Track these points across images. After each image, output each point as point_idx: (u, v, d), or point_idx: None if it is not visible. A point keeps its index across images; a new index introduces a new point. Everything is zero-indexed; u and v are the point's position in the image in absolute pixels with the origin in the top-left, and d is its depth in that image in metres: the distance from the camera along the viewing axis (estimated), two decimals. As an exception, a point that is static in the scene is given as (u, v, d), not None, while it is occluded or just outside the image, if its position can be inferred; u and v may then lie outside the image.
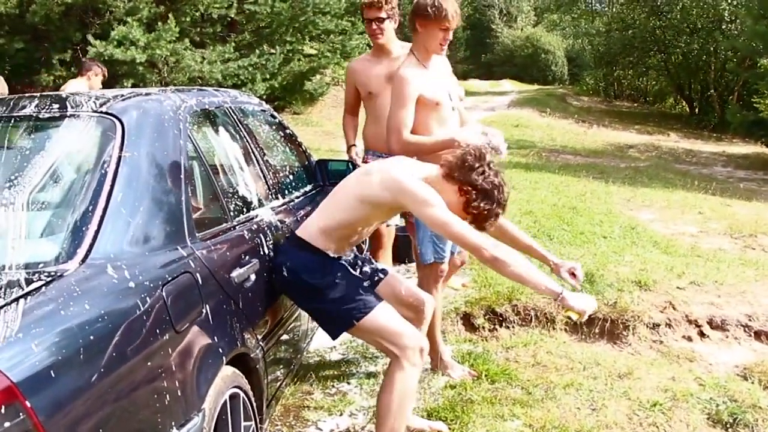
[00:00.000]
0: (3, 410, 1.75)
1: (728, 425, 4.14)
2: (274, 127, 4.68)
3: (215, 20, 17.65)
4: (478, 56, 56.66)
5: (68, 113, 2.84)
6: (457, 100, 4.55)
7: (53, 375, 1.87)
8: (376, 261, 4.54)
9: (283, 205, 3.99)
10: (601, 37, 38.81)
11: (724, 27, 31.64)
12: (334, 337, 3.62)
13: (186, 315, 2.55)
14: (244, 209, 3.47)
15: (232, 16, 17.61)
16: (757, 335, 5.45)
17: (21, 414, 1.78)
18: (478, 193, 3.39)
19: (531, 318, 5.48)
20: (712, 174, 16.06)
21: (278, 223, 3.70)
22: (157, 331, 2.33)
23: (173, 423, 2.33)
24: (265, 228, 3.52)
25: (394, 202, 3.45)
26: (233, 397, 2.80)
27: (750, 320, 5.53)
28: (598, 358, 4.87)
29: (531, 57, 54.15)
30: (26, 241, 2.38)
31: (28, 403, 1.79)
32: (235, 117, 3.89)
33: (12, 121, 2.87)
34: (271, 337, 3.42)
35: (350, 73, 5.39)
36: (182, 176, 2.87)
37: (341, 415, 4.19)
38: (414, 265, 5.28)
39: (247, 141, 3.90)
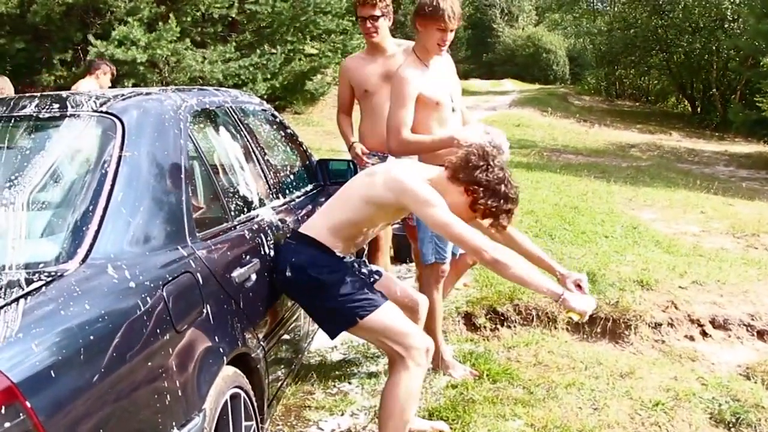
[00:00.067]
0: (3, 410, 1.75)
1: (731, 425, 4.14)
2: (274, 127, 4.67)
3: (216, 20, 17.63)
4: (480, 56, 56.63)
5: (68, 113, 2.84)
6: (459, 101, 4.54)
7: (53, 375, 1.87)
8: (374, 262, 4.56)
9: (283, 204, 3.98)
10: (602, 36, 38.76)
11: (726, 26, 31.54)
12: (333, 336, 3.61)
13: (186, 315, 2.54)
14: (245, 209, 3.46)
15: (233, 15, 17.59)
16: (760, 334, 5.45)
17: (21, 414, 1.77)
18: (484, 192, 3.39)
19: (532, 317, 5.47)
20: (714, 173, 16.04)
21: (279, 223, 3.70)
22: (158, 331, 2.32)
23: (174, 423, 2.33)
24: (266, 228, 3.51)
25: (397, 202, 3.44)
26: (234, 397, 2.79)
27: (752, 319, 5.53)
28: (600, 358, 4.86)
29: (532, 56, 54.09)
30: (26, 241, 2.38)
31: (28, 404, 1.78)
32: (235, 117, 3.89)
33: (12, 121, 2.87)
34: (272, 336, 3.41)
35: (345, 72, 5.33)
36: (183, 176, 2.86)
37: (342, 414, 4.19)
38: (414, 265, 5.28)
39: (248, 141, 3.89)
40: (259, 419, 3.06)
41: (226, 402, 2.69)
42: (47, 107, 2.89)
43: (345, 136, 5.34)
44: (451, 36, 4.25)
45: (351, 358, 4.96)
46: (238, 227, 3.27)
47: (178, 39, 15.62)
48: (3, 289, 2.05)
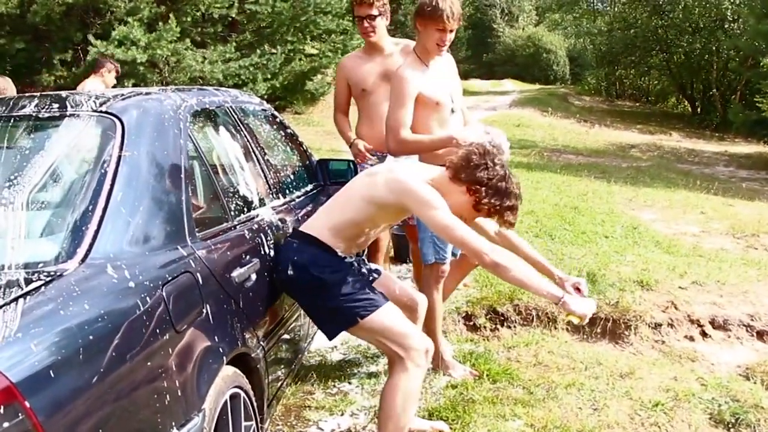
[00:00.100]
0: (2, 410, 1.74)
1: (730, 425, 4.14)
2: (274, 127, 4.67)
3: (216, 20, 17.64)
4: (480, 56, 56.63)
5: (68, 113, 2.84)
6: (459, 102, 4.54)
7: (53, 375, 1.86)
8: (374, 262, 4.55)
9: (283, 204, 3.98)
10: (602, 36, 38.78)
11: (726, 26, 31.55)
12: (331, 337, 3.61)
13: (186, 315, 2.54)
14: (245, 209, 3.46)
15: (233, 15, 17.59)
16: (760, 335, 5.46)
17: (20, 414, 1.77)
18: (486, 191, 3.40)
19: (532, 318, 5.48)
20: (714, 174, 16.05)
21: (279, 223, 3.70)
22: (157, 331, 2.32)
23: (173, 423, 2.33)
24: (266, 227, 3.51)
25: (399, 203, 3.44)
26: (234, 397, 2.79)
27: (752, 320, 5.53)
28: (600, 358, 4.86)
29: (533, 56, 54.11)
30: (26, 241, 2.38)
31: (27, 404, 1.78)
32: (235, 116, 3.89)
33: (12, 121, 2.87)
34: (272, 336, 3.41)
35: (342, 71, 5.30)
36: (182, 176, 2.86)
37: (342, 414, 4.18)
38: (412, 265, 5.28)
39: (248, 140, 3.89)
40: (258, 419, 3.05)
41: (225, 402, 2.69)
42: (47, 107, 2.89)
43: (344, 135, 5.32)
44: (451, 36, 4.24)
45: (351, 358, 4.96)
46: (238, 227, 3.27)
47: (178, 39, 15.63)
48: (2, 289, 2.04)
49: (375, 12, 4.94)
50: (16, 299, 1.98)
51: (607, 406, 4.19)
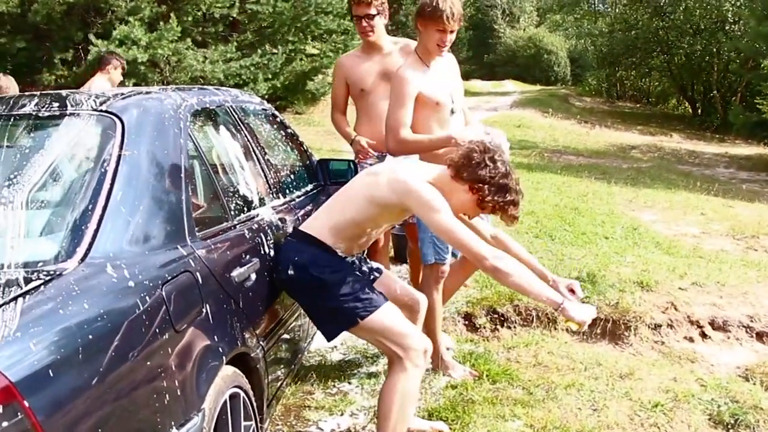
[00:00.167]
0: (1, 410, 1.74)
1: (729, 426, 4.14)
2: (275, 127, 4.67)
3: (217, 20, 17.64)
4: (481, 56, 56.62)
5: (68, 112, 2.84)
6: (460, 103, 4.53)
7: (52, 374, 1.86)
8: (374, 261, 4.54)
9: (284, 204, 3.98)
10: (603, 37, 38.78)
11: (727, 28, 31.59)
12: (330, 337, 3.62)
13: (186, 314, 2.54)
14: (245, 208, 3.46)
15: (234, 15, 17.60)
16: (759, 336, 5.46)
17: (19, 414, 1.77)
18: (489, 188, 3.40)
19: (532, 318, 5.47)
20: (714, 175, 16.05)
21: (279, 223, 3.70)
22: (157, 330, 2.31)
23: (173, 423, 2.32)
24: (266, 227, 3.51)
25: (401, 204, 3.44)
26: (233, 397, 2.78)
27: (752, 321, 5.53)
28: (600, 359, 4.86)
29: (533, 57, 54.10)
30: (25, 240, 2.37)
31: (26, 403, 1.77)
32: (236, 116, 3.88)
33: (12, 120, 2.87)
34: (272, 336, 3.41)
35: (341, 70, 5.24)
36: (182, 175, 2.86)
37: (342, 415, 4.18)
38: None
39: (248, 140, 3.89)
40: (258, 419, 3.05)
41: (225, 402, 2.69)
42: (47, 106, 2.89)
43: (344, 133, 5.25)
44: (452, 37, 4.24)
45: (351, 358, 4.96)
46: (237, 227, 3.26)
47: (179, 39, 15.63)
48: (2, 288, 2.04)
49: (373, 11, 4.91)
50: (15, 298, 1.98)
51: (606, 406, 4.19)
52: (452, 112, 4.42)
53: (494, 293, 5.71)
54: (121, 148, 2.66)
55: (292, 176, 4.48)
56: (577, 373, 4.62)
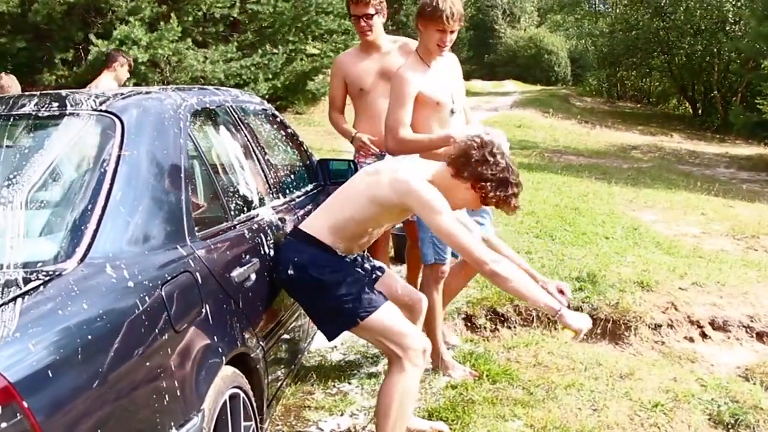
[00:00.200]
0: (0, 411, 1.74)
1: (729, 426, 4.14)
2: (275, 126, 4.66)
3: (218, 20, 17.64)
4: (481, 56, 56.58)
5: (68, 112, 2.83)
6: (461, 103, 4.53)
7: (51, 375, 1.86)
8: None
9: (284, 204, 3.98)
10: (604, 37, 38.74)
11: (727, 28, 31.57)
12: (331, 337, 3.62)
13: (185, 315, 2.53)
14: (245, 208, 3.45)
15: (235, 15, 17.59)
16: (759, 336, 5.46)
17: (18, 414, 1.76)
18: (491, 185, 3.40)
19: (532, 318, 5.47)
20: (714, 175, 16.05)
21: (279, 223, 3.69)
22: (156, 330, 2.31)
23: (172, 423, 2.32)
24: (266, 227, 3.51)
25: (401, 203, 3.43)
26: (233, 397, 2.78)
27: (752, 321, 5.53)
28: (600, 359, 4.85)
29: (534, 57, 54.06)
30: (24, 240, 2.37)
31: (25, 404, 1.77)
32: (236, 116, 3.88)
33: (11, 120, 2.87)
34: (272, 336, 3.40)
35: (339, 68, 5.21)
36: (182, 175, 2.85)
37: (342, 415, 4.18)
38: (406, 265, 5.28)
39: (248, 140, 3.88)
40: (258, 419, 3.05)
41: (225, 402, 2.69)
42: (46, 106, 2.88)
43: (344, 131, 5.21)
44: (452, 37, 4.24)
45: (351, 358, 4.96)
46: (237, 227, 3.26)
47: (180, 39, 15.62)
48: (1, 288, 2.04)
49: (372, 11, 4.90)
50: (14, 299, 1.98)
51: (606, 406, 4.19)
52: (452, 112, 4.42)
53: (494, 293, 5.70)
54: (120, 148, 2.66)
55: (292, 176, 4.48)
56: (577, 373, 4.62)
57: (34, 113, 2.87)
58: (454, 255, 4.57)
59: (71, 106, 2.86)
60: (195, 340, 2.55)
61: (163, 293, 2.40)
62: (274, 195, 3.93)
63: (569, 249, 6.89)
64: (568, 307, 3.51)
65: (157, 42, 15.03)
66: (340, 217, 3.50)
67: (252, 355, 3.04)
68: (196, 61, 16.04)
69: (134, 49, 14.65)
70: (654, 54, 35.51)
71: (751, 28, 24.35)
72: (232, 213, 3.29)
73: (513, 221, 7.88)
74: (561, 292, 3.63)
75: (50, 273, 2.17)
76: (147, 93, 3.20)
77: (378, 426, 3.49)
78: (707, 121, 30.06)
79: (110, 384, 2.05)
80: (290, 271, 3.42)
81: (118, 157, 2.62)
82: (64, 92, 3.07)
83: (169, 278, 2.49)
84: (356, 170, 4.73)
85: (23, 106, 2.90)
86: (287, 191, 4.18)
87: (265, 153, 4.06)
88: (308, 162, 4.90)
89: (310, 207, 4.24)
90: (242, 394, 2.88)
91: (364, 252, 3.80)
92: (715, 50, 31.49)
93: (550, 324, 5.40)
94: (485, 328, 5.43)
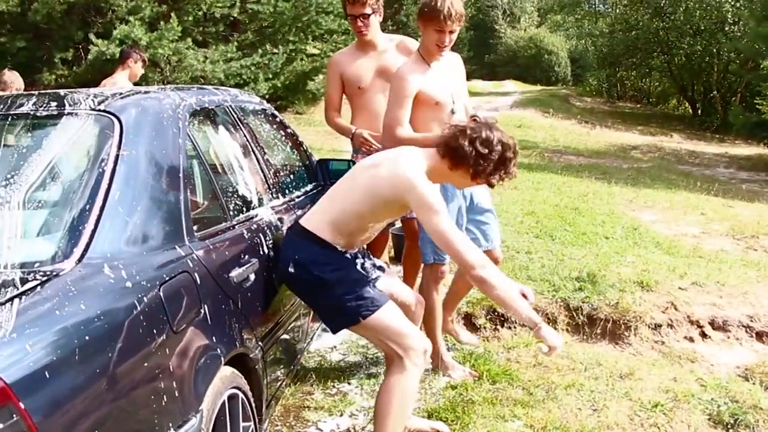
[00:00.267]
0: (-3, 411, 1.74)
1: (729, 426, 4.13)
2: (274, 126, 4.66)
3: (218, 19, 17.64)
4: (482, 56, 56.61)
5: (66, 111, 2.83)
6: (462, 103, 4.52)
7: (48, 376, 1.85)
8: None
9: (283, 204, 3.97)
10: (604, 38, 38.78)
11: (727, 29, 31.59)
12: (335, 331, 3.63)
13: (184, 315, 2.53)
14: (244, 208, 3.45)
15: (235, 15, 17.60)
16: (759, 336, 5.45)
17: (15, 416, 1.76)
18: (490, 170, 3.43)
19: (532, 318, 5.45)
20: (714, 175, 16.05)
21: (278, 223, 3.69)
22: (155, 331, 2.30)
23: (171, 424, 2.31)
24: (265, 227, 3.50)
25: (401, 199, 3.41)
26: (232, 398, 2.78)
27: (751, 321, 5.52)
28: (600, 359, 4.85)
29: (534, 58, 54.13)
30: (22, 240, 2.37)
31: (21, 405, 1.76)
32: (235, 116, 3.87)
33: (9, 119, 2.86)
34: (271, 337, 3.40)
35: (337, 67, 5.16)
36: (181, 175, 2.85)
37: (342, 415, 4.17)
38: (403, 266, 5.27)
39: (247, 140, 3.88)
40: (257, 420, 3.04)
41: (223, 403, 2.68)
42: (45, 105, 2.88)
43: (343, 128, 5.15)
44: (453, 37, 4.23)
45: (350, 359, 4.95)
46: (236, 227, 3.25)
47: (180, 38, 15.61)
48: (-1, 289, 2.04)
49: (368, 11, 4.89)
50: (11, 299, 1.97)
51: (606, 406, 4.18)
52: (453, 112, 4.41)
53: (494, 293, 5.69)
54: (119, 148, 2.65)
55: (291, 176, 4.47)
56: (577, 374, 4.61)
57: (32, 113, 2.86)
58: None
59: (69, 105, 2.85)
60: (193, 341, 2.54)
61: (161, 294, 2.39)
62: (274, 195, 3.92)
63: (569, 249, 6.88)
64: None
65: (157, 42, 15.02)
66: (340, 213, 3.48)
67: (251, 356, 3.04)
68: (196, 61, 16.04)
69: (134, 49, 14.63)
70: (654, 54, 35.56)
71: (750, 29, 24.36)
72: (231, 213, 3.29)
73: (513, 221, 7.88)
74: (524, 296, 3.61)
75: (48, 273, 2.16)
76: (146, 93, 3.19)
77: (377, 426, 3.48)
78: (707, 122, 30.10)
79: (108, 385, 2.05)
80: (291, 269, 3.41)
81: (117, 156, 2.61)
82: (62, 92, 3.06)
83: (167, 278, 2.48)
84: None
85: (21, 105, 2.90)
86: (287, 191, 4.17)
87: (265, 153, 4.06)
88: (308, 162, 4.89)
89: (309, 207, 4.24)
90: (241, 395, 2.87)
91: (365, 250, 3.80)
92: (715, 50, 31.53)
93: (550, 324, 5.37)
94: (485, 328, 5.42)
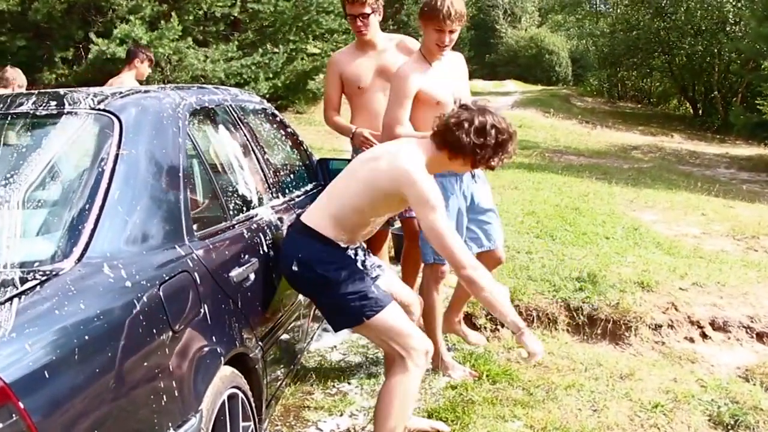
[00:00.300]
0: (-4, 411, 1.73)
1: (729, 427, 4.13)
2: (274, 126, 4.65)
3: (218, 19, 17.64)
4: (482, 56, 56.59)
5: (66, 110, 2.82)
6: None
7: (47, 375, 1.85)
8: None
9: (283, 204, 3.97)
10: (605, 38, 38.76)
11: (728, 29, 31.56)
12: (337, 329, 3.63)
13: (184, 315, 2.52)
14: (244, 208, 3.45)
15: (236, 14, 17.59)
16: (759, 337, 5.44)
17: (14, 415, 1.76)
18: (491, 155, 3.45)
19: (533, 318, 5.46)
20: (715, 175, 16.05)
21: (278, 222, 3.68)
22: (154, 330, 2.30)
23: (170, 424, 2.31)
24: (265, 227, 3.50)
25: (400, 193, 3.40)
26: (232, 398, 2.78)
27: (752, 321, 5.52)
28: (600, 359, 4.85)
29: (535, 57, 54.12)
30: (21, 240, 2.37)
31: (21, 404, 1.76)
32: (235, 115, 3.87)
33: (9, 119, 2.85)
34: (271, 336, 3.40)
35: (336, 66, 5.14)
36: (180, 174, 2.85)
37: (341, 415, 4.17)
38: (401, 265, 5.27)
39: (247, 139, 3.87)
40: (257, 420, 3.04)
41: (223, 402, 2.68)
42: (44, 104, 2.87)
43: (343, 127, 5.12)
44: (453, 36, 4.23)
45: (350, 359, 4.95)
46: (236, 226, 3.25)
47: (180, 37, 15.61)
48: (-2, 288, 2.03)
49: (368, 10, 4.88)
50: (11, 299, 1.97)
51: (606, 407, 4.18)
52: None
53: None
54: (118, 147, 2.65)
55: (291, 176, 4.47)
56: (577, 374, 4.61)
57: (31, 112, 2.86)
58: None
59: (69, 104, 2.85)
60: (193, 340, 2.54)
61: (161, 293, 2.39)
62: (274, 194, 3.92)
63: (570, 249, 6.87)
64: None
65: (157, 41, 15.01)
66: (340, 207, 3.47)
67: (251, 355, 3.04)
68: (196, 60, 16.04)
69: (134, 48, 14.64)
70: (655, 54, 35.53)
71: (751, 29, 24.34)
72: (231, 212, 3.28)
73: (514, 221, 7.88)
74: None
75: (47, 273, 2.16)
76: (145, 92, 3.19)
77: (378, 426, 3.48)
78: (708, 122, 30.07)
79: (107, 384, 2.05)
80: (294, 267, 3.40)
81: (116, 156, 2.61)
82: (62, 91, 3.05)
83: (167, 278, 2.48)
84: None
85: (21, 104, 2.90)
86: (287, 191, 4.17)
87: (265, 152, 4.05)
88: (308, 161, 4.89)
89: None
90: (241, 395, 2.87)
91: (366, 249, 3.79)
92: (716, 51, 31.51)
93: (550, 324, 5.40)
94: (485, 328, 5.41)
